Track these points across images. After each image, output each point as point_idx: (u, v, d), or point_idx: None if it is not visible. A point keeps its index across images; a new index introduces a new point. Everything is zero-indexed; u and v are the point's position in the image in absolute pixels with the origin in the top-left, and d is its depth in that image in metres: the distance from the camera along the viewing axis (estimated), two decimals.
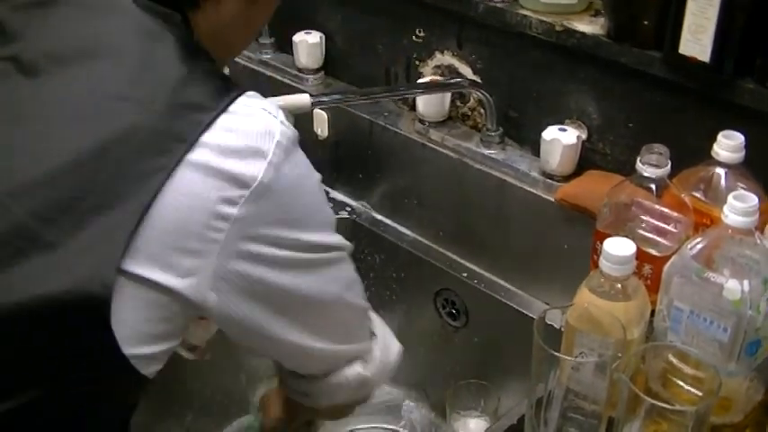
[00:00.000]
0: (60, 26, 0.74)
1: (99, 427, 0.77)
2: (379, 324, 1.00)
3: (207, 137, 0.69)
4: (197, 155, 0.69)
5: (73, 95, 0.70)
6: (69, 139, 0.68)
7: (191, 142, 0.69)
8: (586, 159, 1.27)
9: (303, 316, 0.83)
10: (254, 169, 0.70)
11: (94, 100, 0.70)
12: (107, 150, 0.67)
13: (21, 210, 0.66)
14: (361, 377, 0.95)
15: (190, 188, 0.68)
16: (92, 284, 0.66)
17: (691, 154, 1.01)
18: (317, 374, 0.94)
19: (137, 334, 0.70)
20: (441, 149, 1.39)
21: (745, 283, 0.82)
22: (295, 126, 1.18)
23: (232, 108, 0.72)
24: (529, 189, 1.29)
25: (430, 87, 1.41)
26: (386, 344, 1.00)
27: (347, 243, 0.85)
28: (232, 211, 0.70)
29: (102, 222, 0.66)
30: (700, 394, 0.82)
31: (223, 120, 0.71)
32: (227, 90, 0.73)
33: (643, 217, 1.00)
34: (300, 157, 0.76)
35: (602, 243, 0.88)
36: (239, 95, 0.73)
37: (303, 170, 0.76)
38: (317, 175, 0.79)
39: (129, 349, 0.69)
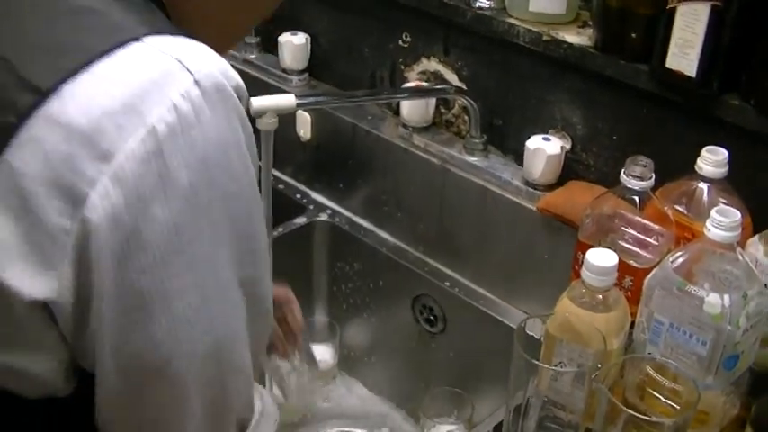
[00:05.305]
0: None
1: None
2: None
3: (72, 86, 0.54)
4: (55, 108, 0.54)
5: None
6: None
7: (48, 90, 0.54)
8: (569, 170, 1.27)
9: None
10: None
11: None
12: None
13: None
14: None
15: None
16: None
17: (674, 167, 1.02)
18: None
19: None
20: (423, 155, 1.39)
21: (726, 297, 0.83)
22: (277, 127, 1.20)
23: (123, 51, 0.55)
24: (511, 198, 1.29)
25: (415, 92, 1.41)
26: None
27: None
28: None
29: None
30: (676, 407, 0.82)
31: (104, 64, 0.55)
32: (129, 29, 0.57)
33: (625, 229, 1.00)
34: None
35: (583, 253, 0.88)
36: (145, 35, 0.56)
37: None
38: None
39: None
